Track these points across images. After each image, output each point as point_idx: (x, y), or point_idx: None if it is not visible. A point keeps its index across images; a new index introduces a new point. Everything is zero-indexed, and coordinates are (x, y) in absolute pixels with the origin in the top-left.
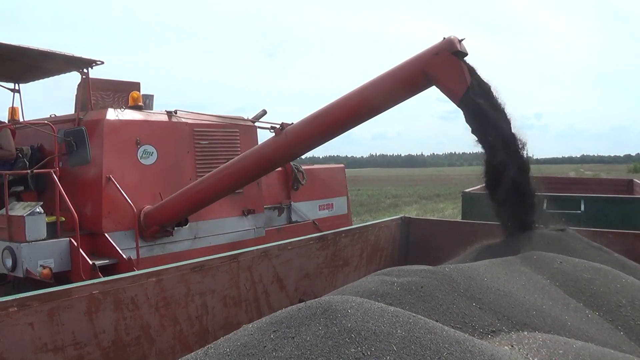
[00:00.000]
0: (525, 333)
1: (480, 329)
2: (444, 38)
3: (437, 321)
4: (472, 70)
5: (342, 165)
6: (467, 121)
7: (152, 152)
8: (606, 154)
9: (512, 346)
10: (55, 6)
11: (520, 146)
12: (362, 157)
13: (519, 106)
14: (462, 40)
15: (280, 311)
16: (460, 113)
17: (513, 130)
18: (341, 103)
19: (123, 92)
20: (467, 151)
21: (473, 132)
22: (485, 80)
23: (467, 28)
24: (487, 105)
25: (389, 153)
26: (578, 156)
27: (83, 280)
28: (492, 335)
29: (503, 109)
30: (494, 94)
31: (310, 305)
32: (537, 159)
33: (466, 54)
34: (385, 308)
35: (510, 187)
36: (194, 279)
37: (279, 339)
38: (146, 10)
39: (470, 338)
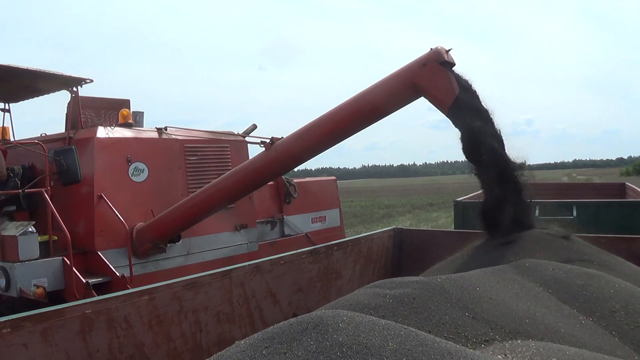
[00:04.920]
0: (519, 341)
1: (473, 339)
2: (431, 49)
3: (430, 332)
4: (460, 80)
5: (333, 177)
6: (459, 130)
7: (143, 169)
8: (598, 158)
9: (505, 355)
10: (43, 24)
11: (509, 154)
12: (354, 168)
13: (510, 113)
14: (449, 50)
15: (272, 327)
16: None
17: (502, 138)
18: (330, 116)
19: (113, 110)
20: (459, 159)
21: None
22: (473, 89)
23: (455, 36)
24: (475, 115)
25: (381, 163)
26: (570, 161)
27: (77, 298)
28: (485, 345)
29: (491, 117)
30: (482, 102)
31: (302, 320)
32: (530, 165)
33: (454, 64)
34: (376, 321)
35: (503, 198)
36: (186, 296)
37: (271, 355)
38: (134, 28)
39: (462, 349)
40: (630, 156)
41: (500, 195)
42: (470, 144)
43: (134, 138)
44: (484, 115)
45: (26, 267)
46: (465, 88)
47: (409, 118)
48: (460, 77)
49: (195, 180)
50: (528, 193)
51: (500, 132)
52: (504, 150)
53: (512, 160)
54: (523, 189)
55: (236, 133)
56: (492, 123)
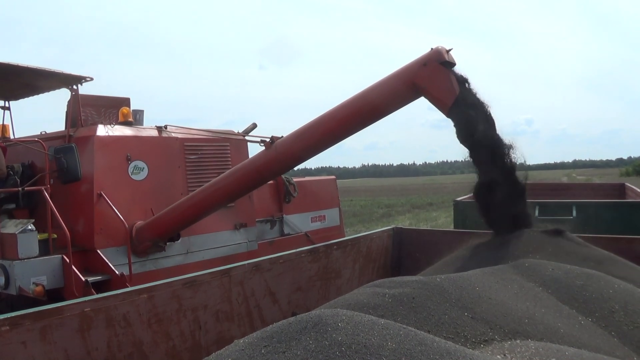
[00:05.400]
0: (518, 341)
1: (472, 339)
2: (432, 48)
3: (429, 332)
4: (460, 80)
5: (333, 177)
6: (457, 130)
7: (143, 168)
8: (598, 159)
9: (504, 355)
10: (44, 23)
11: (509, 153)
12: (354, 167)
13: (510, 113)
14: (449, 50)
15: (271, 326)
16: (451, 121)
17: (501, 138)
18: (330, 116)
19: (113, 108)
20: (459, 159)
21: (462, 143)
22: (473, 89)
23: (456, 36)
24: (475, 115)
25: (381, 163)
26: (570, 161)
27: (76, 296)
28: (484, 345)
29: (491, 117)
30: (482, 102)
31: (301, 320)
32: (529, 165)
33: (454, 64)
34: (375, 321)
35: (500, 195)
36: (185, 295)
37: (269, 354)
38: (134, 26)
39: (461, 349)
40: (630, 157)
41: (495, 179)
42: (470, 144)
43: (133, 136)
44: (484, 115)
45: (25, 265)
46: (466, 88)
47: (409, 118)
48: (460, 77)
49: (195, 179)
50: (526, 189)
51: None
52: (504, 150)
53: (512, 159)
54: (522, 184)
55: (236, 132)
56: (493, 123)
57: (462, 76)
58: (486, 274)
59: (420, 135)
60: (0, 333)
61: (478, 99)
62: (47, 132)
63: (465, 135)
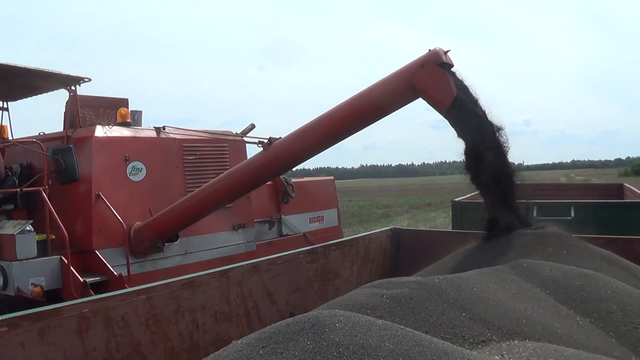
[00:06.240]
0: (516, 342)
1: (470, 339)
2: (430, 50)
3: (427, 332)
4: (458, 81)
5: (331, 177)
6: (454, 128)
7: (141, 169)
8: (596, 159)
9: (502, 355)
10: (41, 22)
11: (507, 154)
12: (352, 168)
13: (508, 113)
14: (447, 51)
15: (269, 327)
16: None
17: (500, 140)
18: (328, 117)
19: (111, 109)
20: (458, 159)
21: (460, 136)
22: (471, 90)
23: (454, 37)
24: (473, 116)
25: (380, 163)
26: (568, 162)
27: (75, 297)
28: (482, 345)
29: (489, 118)
30: (480, 103)
31: (299, 320)
32: (528, 165)
33: (452, 65)
34: (373, 321)
35: (497, 190)
36: (183, 296)
37: (267, 355)
38: (134, 26)
39: (459, 349)
40: (629, 157)
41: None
42: (470, 146)
43: (132, 137)
44: (482, 115)
45: (24, 266)
46: (464, 89)
47: (408, 118)
48: (458, 77)
49: (193, 180)
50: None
51: (499, 133)
52: (504, 151)
53: (510, 162)
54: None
55: (234, 133)
56: (491, 124)
57: (457, 75)
58: (484, 275)
59: (419, 135)
60: None
61: (475, 99)
62: (46, 133)
63: (463, 133)
